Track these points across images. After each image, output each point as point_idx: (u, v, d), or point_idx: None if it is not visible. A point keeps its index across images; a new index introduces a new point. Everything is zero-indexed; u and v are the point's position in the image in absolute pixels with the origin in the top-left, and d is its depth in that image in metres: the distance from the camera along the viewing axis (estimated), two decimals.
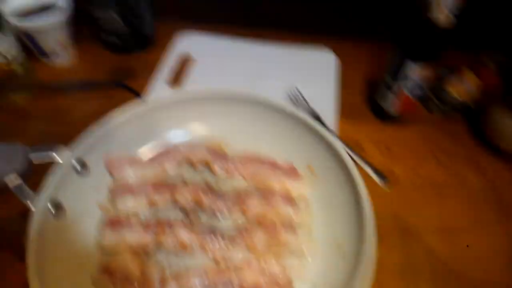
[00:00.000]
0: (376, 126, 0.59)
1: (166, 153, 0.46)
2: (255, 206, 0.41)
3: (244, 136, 0.49)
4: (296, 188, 0.44)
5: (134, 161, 0.45)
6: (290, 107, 0.46)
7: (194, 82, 0.62)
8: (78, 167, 0.40)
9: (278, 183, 0.44)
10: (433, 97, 0.60)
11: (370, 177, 0.52)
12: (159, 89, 0.61)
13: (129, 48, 0.67)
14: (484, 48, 0.64)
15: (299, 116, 0.45)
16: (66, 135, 0.54)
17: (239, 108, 0.48)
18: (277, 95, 0.59)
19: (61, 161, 0.38)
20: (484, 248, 0.46)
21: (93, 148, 0.42)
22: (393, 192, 0.51)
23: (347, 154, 0.41)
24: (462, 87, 0.58)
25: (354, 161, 0.52)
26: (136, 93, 0.60)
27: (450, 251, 0.46)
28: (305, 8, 0.71)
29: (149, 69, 0.65)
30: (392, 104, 0.56)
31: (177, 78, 0.63)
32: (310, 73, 0.65)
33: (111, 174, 0.45)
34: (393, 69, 0.52)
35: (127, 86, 0.61)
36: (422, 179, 0.53)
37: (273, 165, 0.46)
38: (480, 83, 0.58)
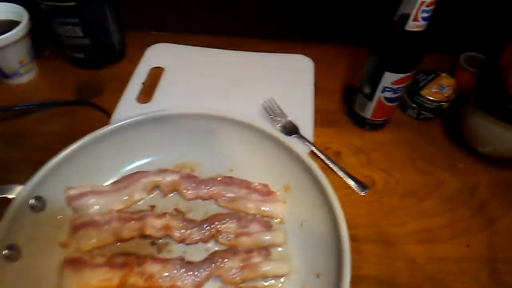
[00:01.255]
0: (354, 133, 0.58)
1: (132, 178, 0.43)
2: (229, 232, 0.39)
3: (216, 157, 0.46)
4: (272, 210, 0.42)
5: (97, 190, 0.42)
6: (263, 125, 0.44)
7: (165, 96, 0.60)
8: (34, 203, 0.37)
9: (253, 205, 0.42)
10: (409, 101, 0.59)
11: (350, 187, 0.51)
12: (127, 105, 0.58)
13: (96, 63, 0.64)
14: (459, 50, 0.64)
15: (273, 134, 0.43)
16: (25, 161, 0.51)
17: (211, 127, 0.45)
18: (253, 105, 0.57)
19: (13, 196, 0.35)
20: (465, 256, 0.45)
21: (50, 180, 0.39)
22: (373, 201, 0.50)
23: (322, 173, 0.40)
24: (438, 90, 0.57)
25: (333, 171, 0.52)
26: (103, 111, 0.58)
27: (430, 259, 0.45)
28: (278, 15, 0.69)
29: (119, 84, 0.62)
30: (369, 111, 0.55)
31: (147, 93, 0.61)
32: (287, 80, 0.64)
33: (71, 206, 0.42)
34: (371, 78, 0.51)
35: (93, 104, 0.58)
36: (402, 186, 0.52)
37: (248, 187, 0.43)
38: (456, 85, 0.58)
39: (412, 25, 0.44)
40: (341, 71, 0.68)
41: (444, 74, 0.60)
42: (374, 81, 0.51)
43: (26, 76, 0.62)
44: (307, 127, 0.56)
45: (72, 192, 0.41)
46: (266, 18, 0.70)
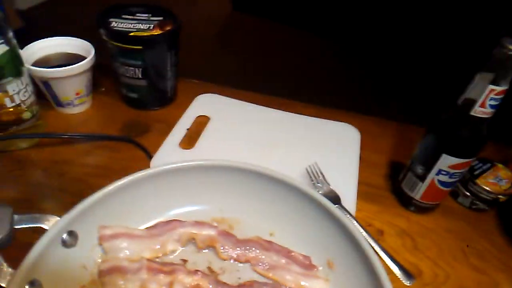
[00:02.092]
0: (398, 213, 0.55)
1: (168, 226, 0.41)
2: None
3: (256, 217, 0.44)
4: (312, 286, 0.38)
5: (130, 233, 0.40)
6: (310, 188, 0.42)
7: (208, 145, 0.59)
8: (66, 238, 0.35)
9: (292, 278, 0.38)
10: (463, 189, 0.56)
11: (393, 273, 0.46)
12: (170, 149, 0.58)
13: (148, 105, 0.66)
14: None
15: (321, 201, 0.40)
16: (62, 191, 0.51)
17: (254, 183, 0.43)
18: (296, 167, 0.56)
19: (47, 227, 0.33)
20: None
21: (86, 216, 0.37)
22: None
23: (373, 250, 0.36)
24: (495, 182, 0.54)
25: (377, 253, 0.47)
26: (145, 151, 0.58)
27: None
28: (327, 84, 0.70)
29: (165, 127, 0.63)
30: (420, 192, 0.52)
31: (191, 139, 0.61)
32: (331, 147, 0.62)
33: (102, 247, 0.39)
34: (425, 158, 0.49)
35: (136, 142, 0.59)
36: (452, 281, 0.47)
37: (288, 256, 0.40)
38: None
39: (479, 111, 0.43)
40: (387, 145, 0.66)
41: (501, 166, 0.56)
42: (429, 162, 0.49)
43: (79, 107, 0.63)
44: (349, 199, 0.53)
45: (106, 231, 0.38)
46: (312, 85, 0.71)
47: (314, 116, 0.68)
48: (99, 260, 0.39)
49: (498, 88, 0.41)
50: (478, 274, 0.48)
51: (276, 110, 0.68)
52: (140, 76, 0.60)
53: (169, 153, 0.57)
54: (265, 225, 0.43)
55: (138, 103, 0.65)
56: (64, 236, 0.35)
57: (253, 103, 0.69)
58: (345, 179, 0.57)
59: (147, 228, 0.42)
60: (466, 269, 0.48)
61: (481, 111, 0.42)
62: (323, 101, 0.71)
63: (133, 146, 0.59)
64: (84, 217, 0.37)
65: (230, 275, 0.40)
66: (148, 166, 0.54)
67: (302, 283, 0.38)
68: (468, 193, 0.55)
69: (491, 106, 0.42)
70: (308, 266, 0.39)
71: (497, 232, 0.54)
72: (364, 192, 0.56)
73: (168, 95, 0.67)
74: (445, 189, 0.50)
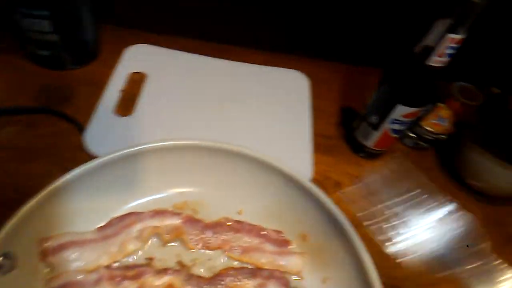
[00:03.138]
0: (351, 160, 0.55)
1: (124, 222, 0.36)
2: None
3: (221, 196, 0.40)
4: (288, 265, 0.37)
5: (79, 240, 0.34)
6: (276, 161, 0.39)
7: (150, 110, 0.52)
8: (2, 262, 0.28)
9: (267, 260, 0.37)
10: (407, 131, 0.57)
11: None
12: (104, 118, 0.50)
13: (64, 63, 0.54)
14: (450, 79, 0.64)
15: (288, 172, 0.38)
16: None
17: (213, 160, 0.39)
18: (248, 130, 0.52)
19: None
20: None
21: (20, 231, 0.30)
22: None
23: (347, 221, 0.35)
24: (438, 122, 0.56)
25: None
26: (74, 123, 0.49)
27: None
28: (273, 27, 0.64)
29: (91, 90, 0.53)
30: (373, 140, 0.52)
31: (127, 103, 0.53)
32: (281, 100, 0.59)
33: (46, 264, 0.33)
34: (380, 109, 0.48)
35: (61, 113, 0.49)
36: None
37: (259, 234, 0.38)
38: (453, 117, 0.57)
39: (435, 60, 0.42)
40: (337, 91, 0.65)
41: (441, 105, 0.59)
42: (384, 112, 0.48)
43: None
44: (305, 155, 0.52)
45: (48, 244, 0.32)
46: (261, 27, 0.65)
47: (261, 64, 0.64)
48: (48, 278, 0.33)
49: (457, 37, 0.39)
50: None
51: (219, 59, 0.62)
52: (49, 29, 0.48)
53: (104, 123, 0.49)
54: (232, 204, 0.40)
55: (53, 62, 0.54)
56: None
57: (195, 53, 0.62)
58: (299, 133, 0.55)
59: (98, 228, 0.36)
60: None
61: (438, 60, 0.42)
62: (269, 43, 0.66)
63: (55, 118, 0.49)
64: (19, 233, 0.30)
65: (203, 266, 0.37)
66: (80, 141, 0.47)
67: (278, 262, 0.37)
68: (412, 135, 0.58)
69: (449, 55, 0.41)
70: (281, 242, 0.38)
71: (437, 168, 0.58)
72: (319, 144, 0.55)
73: (89, 49, 0.56)
74: (396, 136, 0.51)
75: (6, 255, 0.30)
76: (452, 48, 0.41)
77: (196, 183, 0.41)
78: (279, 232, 0.39)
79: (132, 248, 0.35)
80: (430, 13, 0.42)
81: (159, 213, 0.37)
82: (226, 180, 0.40)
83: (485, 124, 0.51)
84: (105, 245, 0.34)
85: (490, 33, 0.60)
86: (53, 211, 0.33)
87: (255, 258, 0.37)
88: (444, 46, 0.40)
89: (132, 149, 0.37)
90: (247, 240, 0.37)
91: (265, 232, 0.39)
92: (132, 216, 0.37)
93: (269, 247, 0.38)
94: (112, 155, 0.36)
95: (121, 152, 0.36)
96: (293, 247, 0.39)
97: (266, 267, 0.37)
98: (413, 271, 0.45)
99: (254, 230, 0.39)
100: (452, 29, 0.39)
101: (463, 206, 0.53)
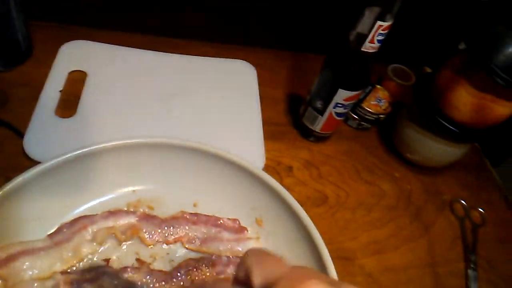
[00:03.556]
0: (301, 145, 0.58)
1: (75, 227, 0.35)
2: (204, 280, 0.34)
3: (175, 191, 0.41)
4: (246, 249, 0.38)
5: (30, 248, 0.33)
6: (226, 152, 0.40)
7: (93, 109, 0.50)
8: None
9: (225, 248, 0.38)
10: (351, 113, 0.61)
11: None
12: (45, 120, 0.47)
13: None
14: (385, 61, 0.68)
15: (239, 162, 0.39)
16: None
17: (164, 156, 0.39)
18: (196, 122, 0.52)
19: None
20: (410, 264, 0.49)
21: None
22: (328, 217, 0.50)
23: (297, 203, 0.38)
24: (376, 103, 0.60)
25: None
26: (12, 128, 0.46)
27: (383, 270, 0.47)
28: (216, 18, 0.64)
29: (28, 92, 0.50)
30: (319, 125, 0.55)
31: (68, 104, 0.51)
32: (230, 91, 0.60)
33: None
34: (323, 94, 0.51)
35: None
36: (352, 199, 0.54)
37: (216, 224, 0.39)
38: (390, 98, 0.62)
39: (368, 47, 0.45)
40: (283, 79, 0.67)
41: (379, 87, 0.63)
42: (327, 97, 0.51)
43: None
44: (257, 143, 0.54)
45: None
46: (202, 19, 0.64)
47: (207, 56, 0.64)
48: None
49: (385, 24, 0.42)
50: (370, 186, 0.56)
51: (162, 53, 0.61)
52: None
53: (45, 126, 0.47)
54: (187, 197, 0.41)
55: None
56: None
57: (138, 48, 0.60)
58: (250, 122, 0.56)
59: (49, 235, 0.35)
60: (360, 184, 0.56)
61: (371, 46, 0.45)
62: (215, 35, 0.66)
63: None
64: None
65: (163, 260, 0.37)
66: (20, 148, 0.44)
67: (236, 248, 0.38)
68: (356, 116, 0.61)
69: (379, 41, 0.44)
70: (238, 229, 0.40)
71: (380, 146, 0.62)
72: (270, 131, 0.57)
73: (21, 48, 0.53)
74: (340, 119, 0.54)
75: None
76: (381, 34, 0.44)
77: (149, 181, 0.41)
78: (235, 220, 0.41)
79: (87, 252, 0.35)
80: (362, 1, 0.45)
81: (112, 213, 0.37)
82: (178, 175, 0.41)
83: (417, 101, 0.55)
84: (58, 251, 0.33)
85: (419, 16, 0.65)
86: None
87: (214, 247, 0.38)
88: (374, 33, 0.43)
89: (78, 152, 0.36)
90: (204, 231, 0.38)
91: (222, 221, 0.40)
92: (84, 219, 0.36)
93: (226, 235, 0.39)
94: (56, 160, 0.35)
95: (65, 156, 0.35)
96: (249, 233, 0.41)
97: (224, 254, 0.38)
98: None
99: (210, 220, 0.40)
100: (380, 17, 0.42)
101: (403, 179, 0.59)
